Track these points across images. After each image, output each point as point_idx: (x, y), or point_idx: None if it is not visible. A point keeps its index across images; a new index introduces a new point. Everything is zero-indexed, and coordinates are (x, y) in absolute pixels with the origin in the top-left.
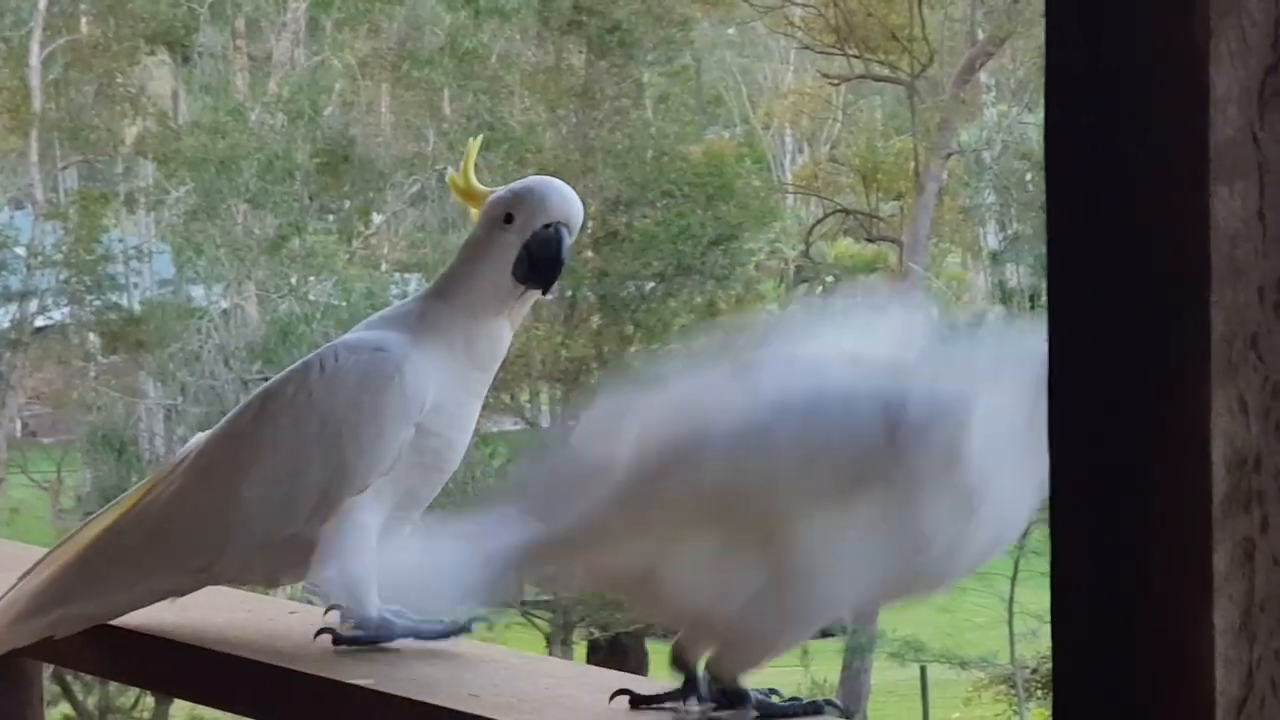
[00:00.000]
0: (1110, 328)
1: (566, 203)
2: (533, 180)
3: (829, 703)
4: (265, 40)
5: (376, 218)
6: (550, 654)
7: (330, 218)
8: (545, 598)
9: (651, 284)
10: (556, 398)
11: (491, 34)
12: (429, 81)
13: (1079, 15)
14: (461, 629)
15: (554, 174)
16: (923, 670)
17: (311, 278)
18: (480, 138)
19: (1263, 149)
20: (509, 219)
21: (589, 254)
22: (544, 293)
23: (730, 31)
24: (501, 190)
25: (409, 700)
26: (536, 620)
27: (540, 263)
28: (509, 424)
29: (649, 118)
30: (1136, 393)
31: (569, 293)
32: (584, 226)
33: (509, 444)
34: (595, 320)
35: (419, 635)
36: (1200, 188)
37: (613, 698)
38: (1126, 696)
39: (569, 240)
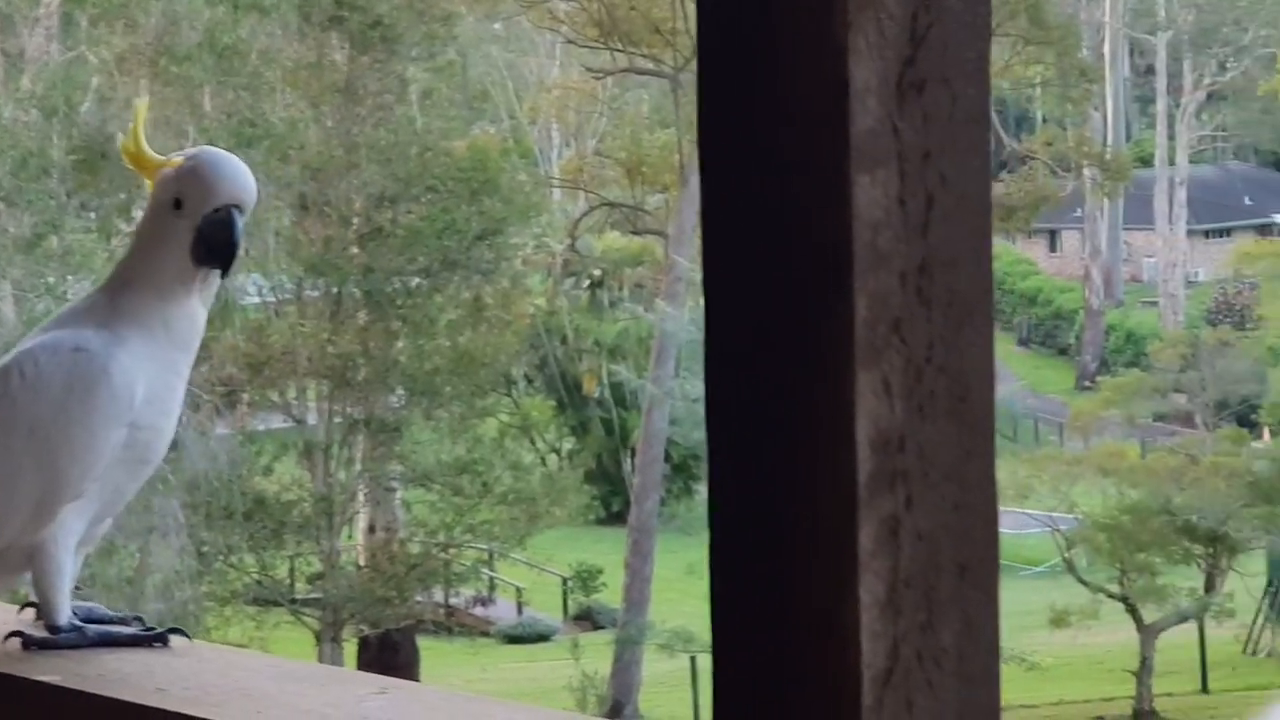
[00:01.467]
0: (758, 313)
1: (235, 183)
2: (200, 160)
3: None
4: (18, 35)
5: (137, 215)
6: (320, 651)
7: (90, 215)
8: (315, 595)
9: (417, 279)
10: (323, 394)
11: (251, 29)
12: (188, 78)
13: (724, 7)
14: (157, 637)
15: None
16: (693, 660)
17: (70, 277)
18: (146, 100)
19: (902, 138)
20: (178, 204)
21: (354, 250)
22: (223, 276)
23: (495, 26)
24: (169, 169)
25: (96, 696)
26: (305, 618)
27: (215, 248)
28: (277, 422)
29: (414, 114)
30: (784, 376)
31: (334, 289)
32: (349, 223)
33: (276, 442)
34: (362, 316)
35: (111, 642)
36: (842, 177)
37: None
38: (778, 669)
39: (241, 222)
